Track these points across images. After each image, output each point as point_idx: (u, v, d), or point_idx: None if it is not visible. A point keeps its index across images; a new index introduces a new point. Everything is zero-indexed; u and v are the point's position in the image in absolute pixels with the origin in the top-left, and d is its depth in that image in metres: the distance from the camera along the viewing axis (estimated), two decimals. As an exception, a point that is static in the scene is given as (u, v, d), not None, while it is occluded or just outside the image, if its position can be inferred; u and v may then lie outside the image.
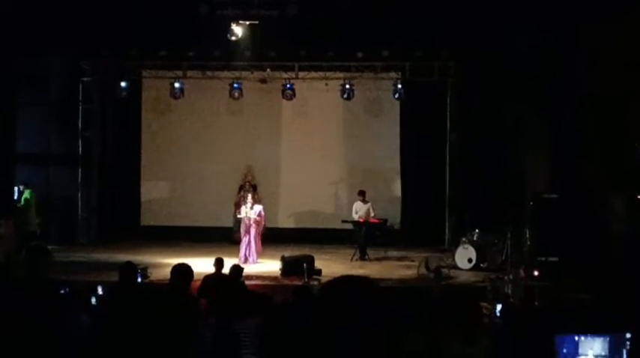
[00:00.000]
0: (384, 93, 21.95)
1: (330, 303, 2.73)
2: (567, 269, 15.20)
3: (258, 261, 18.11)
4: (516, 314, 10.42)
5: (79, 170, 21.84)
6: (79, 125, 21.77)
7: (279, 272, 16.60)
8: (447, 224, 21.17)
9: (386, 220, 20.13)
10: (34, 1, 16.28)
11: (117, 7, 17.35)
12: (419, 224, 21.39)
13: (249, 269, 17.54)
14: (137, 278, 9.06)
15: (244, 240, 18.29)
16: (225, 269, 12.48)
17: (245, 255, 18.10)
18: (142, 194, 22.81)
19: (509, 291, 13.69)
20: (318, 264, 16.51)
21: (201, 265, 16.34)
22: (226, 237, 20.71)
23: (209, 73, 21.51)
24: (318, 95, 22.03)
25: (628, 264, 14.16)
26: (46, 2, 16.47)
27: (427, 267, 16.63)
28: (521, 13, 17.38)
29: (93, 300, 10.44)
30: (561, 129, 17.64)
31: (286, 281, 15.63)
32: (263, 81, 21.94)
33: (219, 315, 8.93)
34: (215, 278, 12.07)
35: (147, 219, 22.66)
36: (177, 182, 22.90)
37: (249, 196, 19.25)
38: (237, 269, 12.54)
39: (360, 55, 20.90)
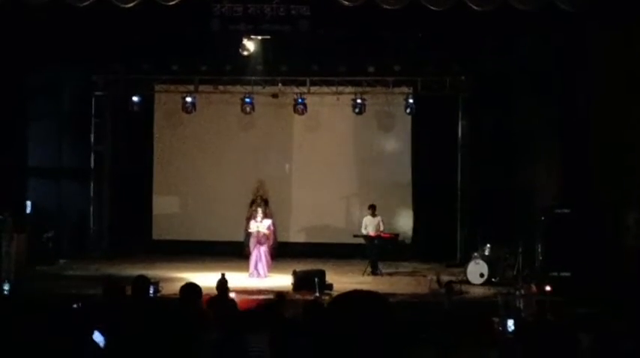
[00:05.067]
0: (395, 107, 21.96)
1: (339, 317, 2.74)
2: (579, 284, 15.12)
3: (269, 275, 18.09)
4: (528, 329, 10.37)
5: (91, 184, 21.90)
6: (92, 139, 21.84)
7: (291, 286, 16.58)
8: (458, 238, 21.12)
9: (397, 235, 20.14)
10: (47, 14, 16.35)
11: (129, 22, 17.41)
12: (430, 238, 21.35)
13: (260, 283, 17.56)
14: (149, 291, 9.05)
15: (254, 254, 18.28)
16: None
17: (256, 269, 18.10)
18: (154, 208, 22.82)
19: (521, 306, 13.63)
20: (329, 279, 16.49)
21: (212, 280, 16.34)
22: (237, 252, 20.64)
23: (221, 88, 21.60)
24: (330, 109, 22.07)
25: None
26: (59, 16, 16.55)
27: (439, 282, 16.59)
28: (532, 27, 17.38)
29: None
30: (572, 143, 17.59)
31: (298, 296, 15.59)
32: (274, 95, 21.96)
33: (228, 329, 8.90)
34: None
35: (158, 232, 22.66)
36: (188, 196, 22.94)
37: (260, 210, 19.23)
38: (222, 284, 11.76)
39: (371, 69, 20.97)
